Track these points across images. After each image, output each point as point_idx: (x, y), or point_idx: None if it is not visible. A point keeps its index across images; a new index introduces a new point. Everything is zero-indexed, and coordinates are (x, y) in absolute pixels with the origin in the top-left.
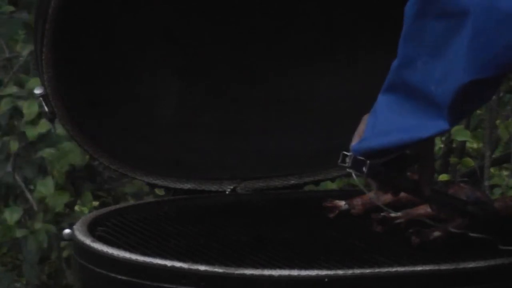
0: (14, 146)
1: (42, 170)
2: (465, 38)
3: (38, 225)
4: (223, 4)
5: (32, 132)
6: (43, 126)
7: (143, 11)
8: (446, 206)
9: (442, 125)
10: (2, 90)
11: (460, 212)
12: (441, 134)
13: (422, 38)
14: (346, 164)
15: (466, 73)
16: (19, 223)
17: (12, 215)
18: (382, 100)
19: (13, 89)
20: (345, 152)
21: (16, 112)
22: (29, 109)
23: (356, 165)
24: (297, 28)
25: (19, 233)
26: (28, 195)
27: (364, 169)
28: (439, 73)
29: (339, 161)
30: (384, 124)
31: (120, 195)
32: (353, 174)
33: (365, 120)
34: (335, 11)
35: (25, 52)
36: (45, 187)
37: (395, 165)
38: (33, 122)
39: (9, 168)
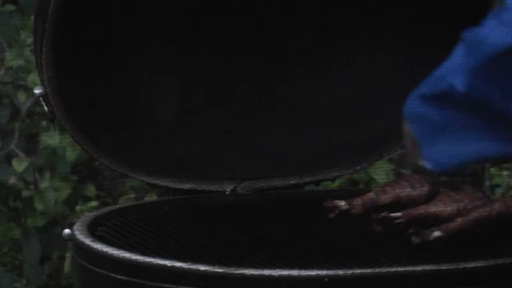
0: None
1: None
2: None
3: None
4: (223, 4)
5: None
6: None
7: (143, 11)
8: None
9: None
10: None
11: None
12: None
13: None
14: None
15: None
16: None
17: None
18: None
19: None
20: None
21: (16, 112)
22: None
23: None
24: (297, 28)
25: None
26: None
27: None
28: None
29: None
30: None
31: (120, 193)
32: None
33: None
34: (335, 11)
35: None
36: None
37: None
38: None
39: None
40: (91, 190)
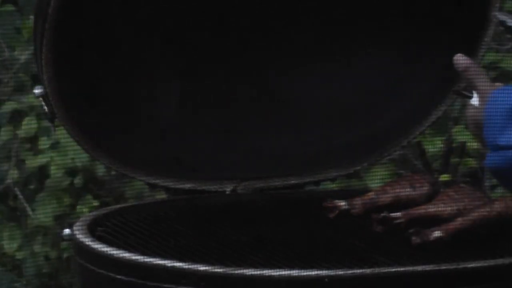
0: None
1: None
2: None
3: (37, 248)
4: (223, 4)
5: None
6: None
7: (143, 11)
8: None
9: None
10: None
11: None
12: None
13: None
14: None
15: None
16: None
17: (11, 243)
18: None
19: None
20: None
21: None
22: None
23: None
24: (297, 28)
25: (19, 255)
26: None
27: None
28: None
29: None
30: None
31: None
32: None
33: None
34: (335, 11)
35: (25, 53)
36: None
37: None
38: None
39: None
40: (88, 199)
